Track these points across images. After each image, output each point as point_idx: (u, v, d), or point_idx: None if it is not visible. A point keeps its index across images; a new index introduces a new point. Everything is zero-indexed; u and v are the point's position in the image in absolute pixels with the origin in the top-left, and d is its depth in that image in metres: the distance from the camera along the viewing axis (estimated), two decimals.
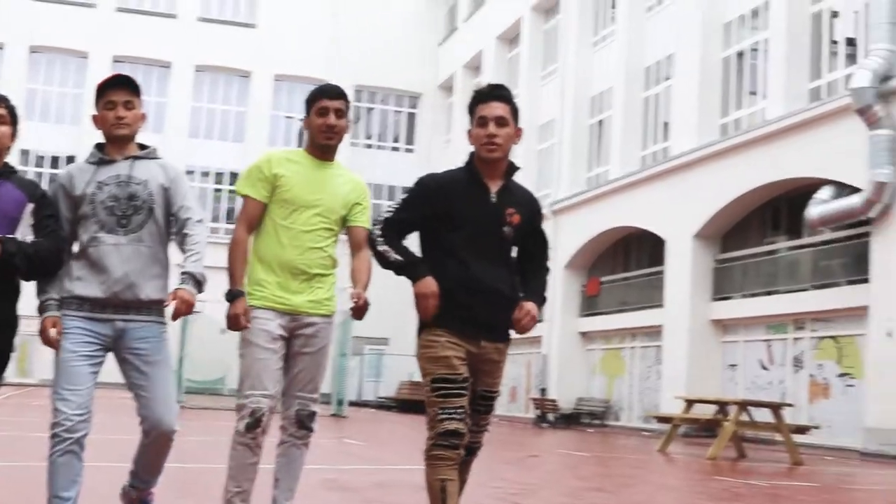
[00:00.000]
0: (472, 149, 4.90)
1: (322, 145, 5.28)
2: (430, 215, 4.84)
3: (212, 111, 46.68)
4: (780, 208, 24.63)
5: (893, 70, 19.98)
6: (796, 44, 23.79)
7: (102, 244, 4.81)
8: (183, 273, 4.78)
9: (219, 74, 46.73)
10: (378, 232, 4.88)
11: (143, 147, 5.02)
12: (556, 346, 32.47)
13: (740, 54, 26.48)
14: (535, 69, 38.18)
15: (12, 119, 4.75)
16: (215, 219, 44.88)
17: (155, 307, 4.91)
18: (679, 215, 26.41)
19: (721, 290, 25.79)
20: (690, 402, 18.55)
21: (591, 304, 32.05)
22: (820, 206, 21.32)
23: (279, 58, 46.39)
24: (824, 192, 21.37)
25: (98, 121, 4.95)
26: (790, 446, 16.30)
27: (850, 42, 23.00)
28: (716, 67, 26.85)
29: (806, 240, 23.29)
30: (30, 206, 4.72)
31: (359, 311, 5.06)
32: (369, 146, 47.64)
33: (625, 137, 30.64)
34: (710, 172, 25.44)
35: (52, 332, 4.76)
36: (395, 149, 48.47)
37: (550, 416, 30.22)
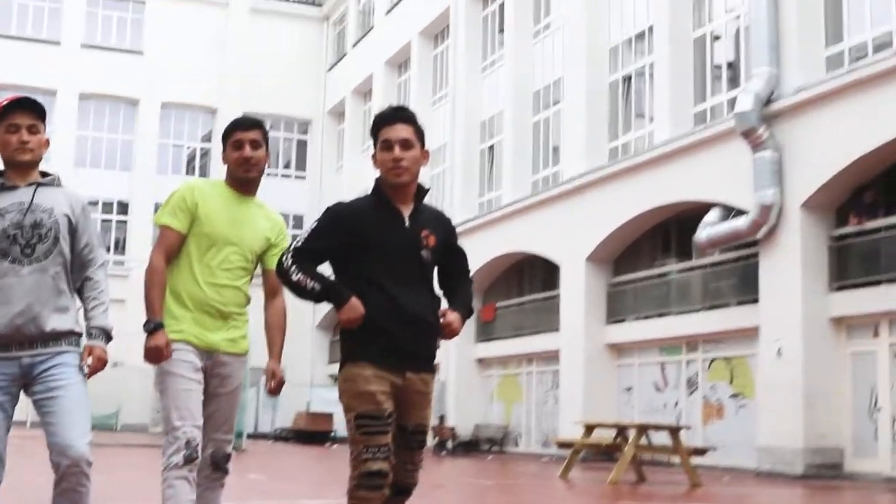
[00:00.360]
0: (378, 174, 4.77)
1: (240, 178, 5.11)
2: (342, 244, 4.70)
3: (98, 139, 45.77)
4: (669, 231, 25.00)
5: (775, 93, 20.43)
6: (680, 68, 24.24)
7: (5, 276, 4.53)
8: (93, 327, 4.58)
9: (104, 102, 45.79)
10: (290, 261, 4.70)
11: (44, 174, 4.76)
12: (453, 373, 32.42)
13: (627, 79, 26.87)
14: (425, 94, 38.29)
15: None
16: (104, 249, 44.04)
17: (63, 339, 4.61)
18: (571, 239, 26.61)
19: (615, 314, 26.06)
20: (591, 427, 18.65)
21: (486, 330, 32.07)
22: (708, 228, 21.69)
23: (166, 85, 45.58)
24: (712, 215, 21.75)
25: (2, 144, 4.68)
26: (688, 469, 16.48)
27: (732, 65, 23.51)
28: (603, 92, 27.21)
29: (696, 262, 23.66)
30: None
31: (275, 389, 5.03)
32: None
33: (516, 162, 30.85)
34: (600, 196, 25.72)
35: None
36: (286, 176, 48.09)
37: (449, 444, 30.17)
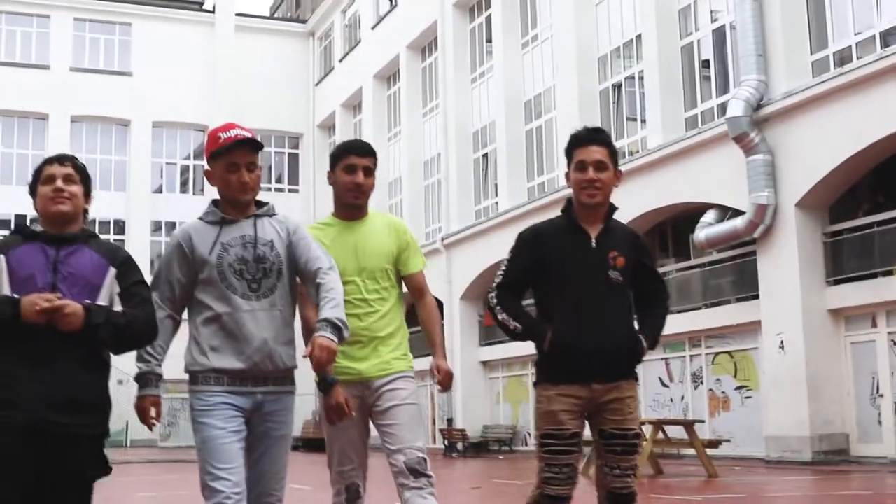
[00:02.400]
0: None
1: (349, 204, 5.11)
2: (535, 267, 4.81)
3: (91, 161, 46.26)
4: (666, 232, 25.90)
5: (764, 98, 21.36)
6: (670, 75, 25.11)
7: (238, 311, 4.46)
8: (321, 320, 4.38)
9: (96, 124, 46.50)
10: (495, 301, 4.85)
11: (259, 204, 4.71)
12: (458, 377, 32.97)
13: (617, 86, 27.77)
14: (415, 106, 38.99)
15: (83, 179, 4.38)
16: None
17: (289, 376, 4.63)
18: None
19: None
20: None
21: (489, 334, 32.70)
22: (706, 228, 22.54)
23: (156, 105, 46.31)
24: (709, 216, 22.61)
25: (216, 180, 4.64)
26: (704, 460, 17.40)
27: (721, 71, 24.41)
28: (594, 99, 28.08)
29: (695, 261, 24.58)
30: (111, 272, 4.27)
31: (444, 382, 5.15)
32: None
33: (511, 170, 31.63)
34: None
35: (153, 413, 4.49)
36: (279, 190, 48.81)
37: (459, 446, 30.99)
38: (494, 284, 4.91)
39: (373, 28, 42.87)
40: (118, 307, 4.19)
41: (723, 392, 23.50)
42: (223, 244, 4.54)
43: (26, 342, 4.00)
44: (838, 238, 20.79)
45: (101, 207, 45.30)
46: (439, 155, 36.30)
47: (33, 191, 4.38)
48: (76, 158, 4.45)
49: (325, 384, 4.74)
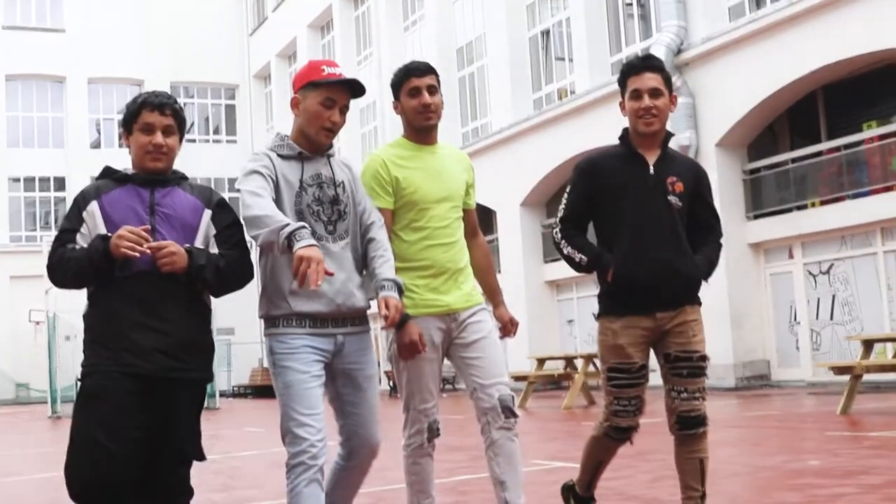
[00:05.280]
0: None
1: (422, 127, 4.83)
2: (594, 196, 4.77)
3: (28, 119, 46.40)
4: None
5: (684, 43, 22.25)
6: (595, 21, 25.92)
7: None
8: (385, 279, 4.36)
9: (31, 81, 46.47)
10: (559, 235, 4.84)
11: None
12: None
13: (546, 32, 28.53)
14: (349, 54, 39.47)
15: (179, 125, 4.22)
16: (45, 226, 45.09)
17: (365, 315, 4.50)
18: (505, 187, 28.21)
19: (552, 253, 27.73)
20: (542, 361, 20.57)
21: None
22: None
23: (91, 61, 46.41)
24: None
25: (300, 111, 4.39)
26: None
27: (643, 17, 25.27)
28: (524, 46, 28.86)
29: None
30: (207, 213, 4.20)
31: (508, 333, 5.06)
32: (192, 140, 47.89)
33: (445, 115, 32.02)
34: (529, 145, 27.43)
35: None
36: (217, 141, 49.16)
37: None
38: (557, 218, 4.89)
39: None
40: (213, 249, 4.15)
41: None
42: (301, 181, 4.34)
43: (133, 285, 3.98)
44: (756, 175, 21.84)
45: (40, 165, 45.52)
46: (375, 102, 36.84)
47: (128, 128, 4.22)
48: (175, 103, 4.25)
49: (400, 321, 4.51)
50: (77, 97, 46.54)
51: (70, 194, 44.69)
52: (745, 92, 20.87)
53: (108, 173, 4.24)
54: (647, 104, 4.64)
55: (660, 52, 21.89)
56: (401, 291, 4.39)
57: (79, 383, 4.11)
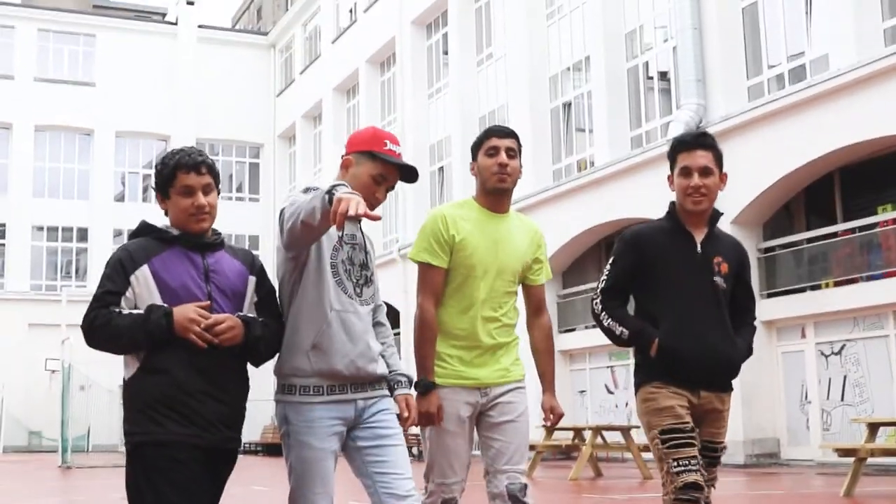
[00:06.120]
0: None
1: (495, 189, 4.75)
2: (638, 270, 4.68)
3: (55, 170, 46.87)
4: (612, 245, 26.84)
5: (703, 121, 22.50)
6: (617, 95, 26.26)
7: (346, 311, 4.15)
8: (401, 375, 4.32)
9: (59, 133, 47.00)
10: (600, 306, 4.75)
11: None
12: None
13: (567, 104, 28.88)
14: (373, 118, 39.58)
15: (216, 180, 4.07)
16: (66, 275, 45.46)
17: (383, 381, 4.31)
18: None
19: (566, 323, 27.95)
20: (550, 430, 20.59)
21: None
22: None
23: (119, 115, 46.90)
24: None
25: (350, 175, 4.26)
26: (641, 463, 18.47)
27: (664, 92, 25.58)
28: (545, 116, 29.18)
29: None
30: (252, 280, 4.09)
31: (555, 425, 4.99)
32: None
33: (466, 183, 32.46)
34: (546, 215, 27.50)
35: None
36: (240, 199, 49.62)
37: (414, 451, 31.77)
38: (598, 289, 4.79)
39: (333, 42, 43.75)
40: (252, 314, 4.05)
41: None
42: (338, 238, 4.20)
43: (192, 352, 3.84)
44: (771, 254, 21.98)
45: (64, 215, 45.99)
46: None
47: (163, 191, 4.05)
48: (208, 159, 4.07)
49: (424, 386, 4.51)
50: (104, 150, 47.02)
51: (92, 245, 45.21)
52: (762, 170, 21.04)
53: (148, 230, 4.05)
54: (697, 183, 4.57)
55: (679, 128, 22.15)
56: (412, 385, 4.36)
57: (128, 451, 3.92)
